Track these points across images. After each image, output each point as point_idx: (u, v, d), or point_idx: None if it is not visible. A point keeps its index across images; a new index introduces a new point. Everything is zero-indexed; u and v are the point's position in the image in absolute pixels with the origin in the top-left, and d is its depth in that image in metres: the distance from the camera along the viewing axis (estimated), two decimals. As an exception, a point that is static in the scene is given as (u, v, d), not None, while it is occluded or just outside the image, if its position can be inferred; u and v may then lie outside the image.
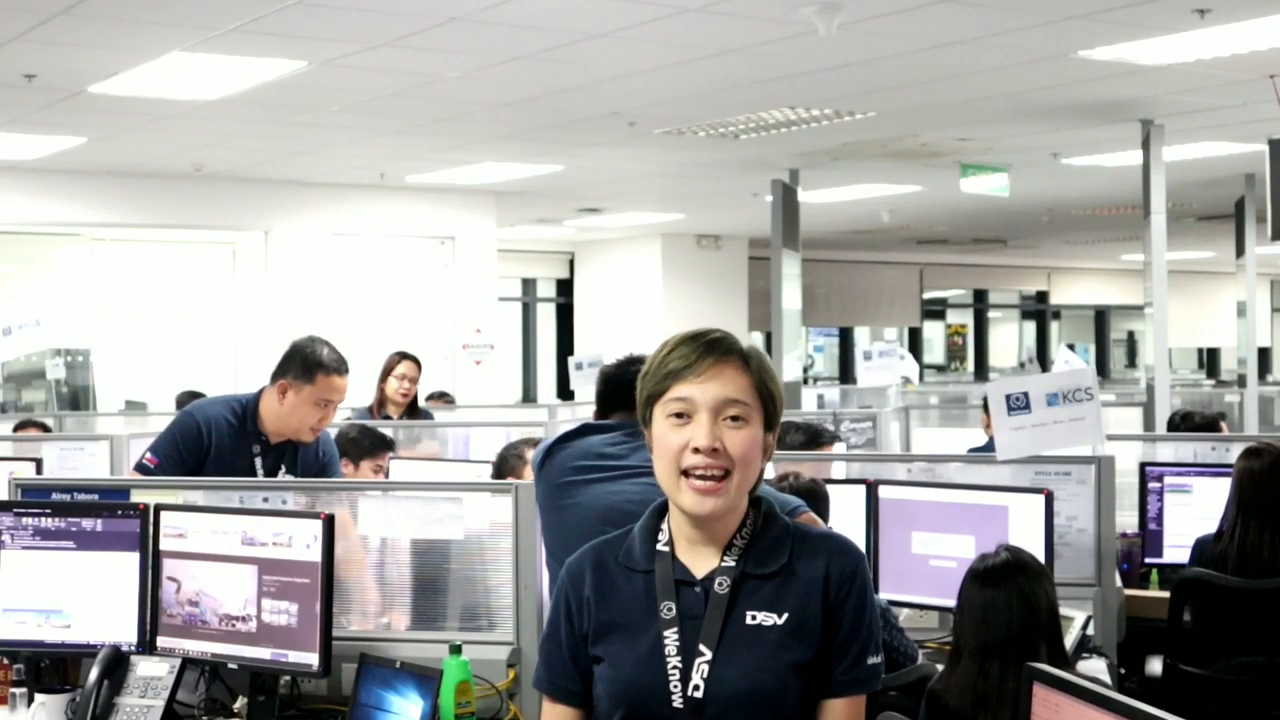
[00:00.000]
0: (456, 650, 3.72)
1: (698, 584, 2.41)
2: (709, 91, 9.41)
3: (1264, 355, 13.60)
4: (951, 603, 4.60)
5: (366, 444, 6.06)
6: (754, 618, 2.38)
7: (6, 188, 12.56)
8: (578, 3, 6.97)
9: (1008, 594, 3.59)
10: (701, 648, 2.36)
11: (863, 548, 4.58)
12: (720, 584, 2.40)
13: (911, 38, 7.78)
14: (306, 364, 4.94)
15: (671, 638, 2.38)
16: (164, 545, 4.02)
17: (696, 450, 2.35)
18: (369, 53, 8.09)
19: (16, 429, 8.32)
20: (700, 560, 2.42)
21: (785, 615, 2.38)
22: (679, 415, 2.39)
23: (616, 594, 2.46)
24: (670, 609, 2.39)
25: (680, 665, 2.36)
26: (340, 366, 4.98)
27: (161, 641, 3.96)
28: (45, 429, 8.51)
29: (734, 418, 2.38)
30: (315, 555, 3.82)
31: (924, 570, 4.78)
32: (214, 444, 4.94)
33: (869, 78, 8.89)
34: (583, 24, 7.46)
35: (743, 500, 2.43)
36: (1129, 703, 2.16)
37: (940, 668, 4.05)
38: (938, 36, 7.73)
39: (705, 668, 2.35)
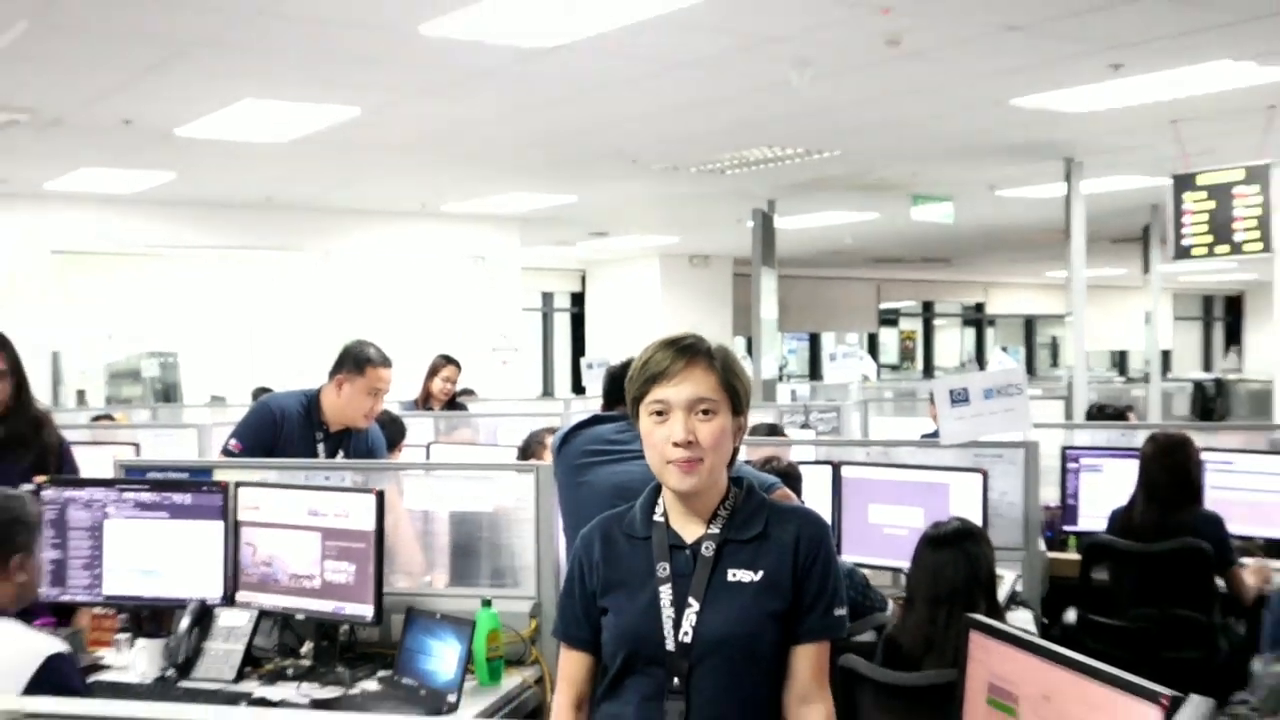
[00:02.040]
0: (487, 604, 3.74)
1: (687, 548, 2.43)
2: (699, 134, 9.39)
3: (1166, 357, 13.59)
4: (902, 564, 4.64)
5: (398, 430, 6.10)
6: (734, 575, 2.40)
7: (107, 216, 12.54)
8: (588, 60, 6.96)
9: (955, 555, 3.63)
10: (690, 600, 2.39)
11: (828, 519, 4.61)
12: (706, 548, 2.42)
13: (870, 89, 7.78)
14: (357, 361, 4.97)
15: (666, 592, 2.40)
16: (242, 516, 4.06)
17: (675, 444, 2.37)
18: (413, 101, 8.10)
19: (94, 420, 8.31)
20: (689, 528, 2.44)
21: (761, 573, 2.40)
22: (659, 413, 2.40)
23: (620, 557, 2.48)
24: (665, 568, 2.42)
25: (673, 615, 2.39)
26: (385, 361, 5.00)
27: (241, 596, 3.99)
28: (113, 418, 8.53)
29: (704, 411, 2.39)
30: (369, 525, 3.84)
31: (879, 537, 4.81)
32: (285, 430, 4.96)
33: (834, 122, 8.88)
34: (592, 78, 7.48)
35: (721, 476, 2.45)
36: (1048, 646, 2.19)
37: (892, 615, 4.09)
38: (891, 88, 7.74)
39: (693, 616, 2.38)
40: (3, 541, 3.04)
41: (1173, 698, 1.84)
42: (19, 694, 2.81)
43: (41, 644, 2.95)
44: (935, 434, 6.40)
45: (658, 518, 2.47)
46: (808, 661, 2.42)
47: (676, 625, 2.38)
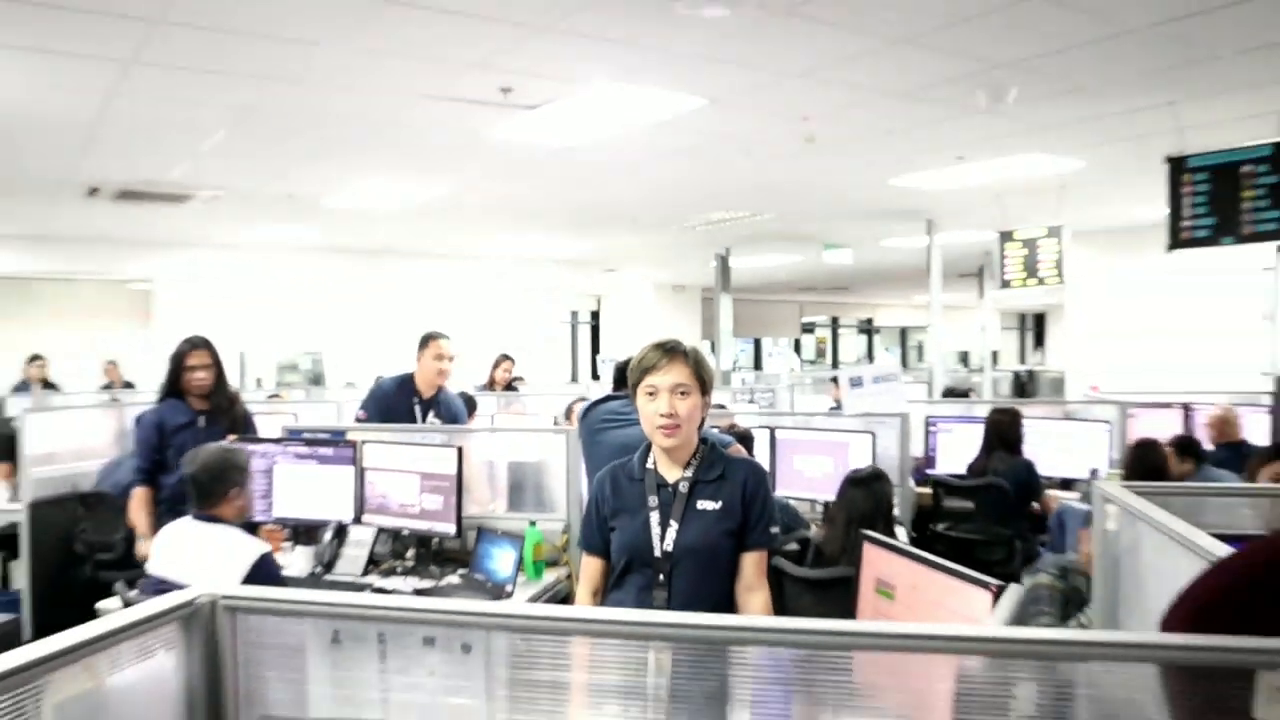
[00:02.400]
0: (533, 524, 3.74)
1: (670, 486, 2.41)
2: (678, 202, 9.36)
3: (995, 355, 13.63)
4: (818, 497, 4.63)
5: (472, 405, 6.08)
6: (701, 505, 2.39)
7: (272, 260, 12.63)
8: (601, 153, 6.93)
9: (866, 490, 3.61)
10: (671, 521, 2.37)
11: (767, 467, 4.61)
12: (682, 485, 2.40)
13: (795, 171, 7.75)
14: (423, 340, 4.91)
15: (654, 516, 2.39)
16: (366, 463, 4.05)
17: (662, 415, 2.37)
18: (484, 182, 8.08)
19: (268, 398, 8.38)
20: (671, 472, 2.42)
21: (720, 503, 2.39)
22: (650, 394, 2.40)
23: (624, 492, 2.46)
24: (654, 500, 2.40)
25: (659, 531, 2.37)
26: (439, 335, 4.94)
27: (365, 518, 3.99)
28: (280, 397, 8.63)
29: (682, 392, 2.39)
30: (452, 469, 3.84)
31: (803, 479, 4.80)
32: (391, 401, 4.91)
33: (770, 193, 8.85)
34: (605, 165, 7.44)
35: (693, 436, 2.43)
36: (915, 551, 2.18)
37: (816, 533, 4.07)
38: (810, 170, 7.71)
39: (673, 533, 2.36)
40: (225, 478, 3.14)
41: (998, 586, 1.82)
42: (241, 581, 2.86)
43: (255, 545, 3.05)
44: (839, 407, 6.41)
45: (649, 465, 2.46)
46: (752, 563, 2.40)
47: (661, 539, 2.37)
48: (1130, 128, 6.32)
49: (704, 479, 2.42)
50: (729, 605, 2.40)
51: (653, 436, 2.43)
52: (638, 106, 5.69)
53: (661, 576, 2.37)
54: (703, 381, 2.44)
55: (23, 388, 9.34)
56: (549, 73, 5.06)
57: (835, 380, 7.83)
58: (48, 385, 9.71)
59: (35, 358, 9.57)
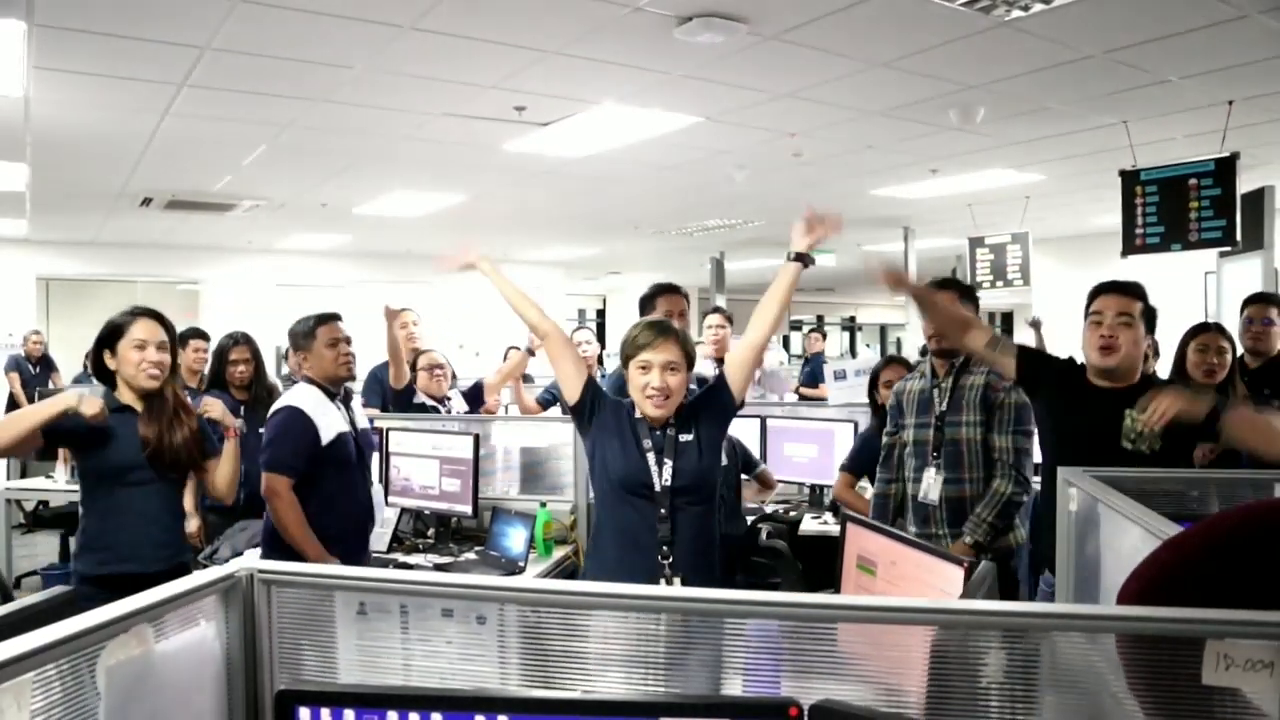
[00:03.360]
0: (544, 505, 3.72)
1: (660, 429, 2.45)
2: (677, 210, 9.35)
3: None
4: (807, 481, 4.61)
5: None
6: (684, 437, 2.44)
7: (306, 263, 12.63)
8: (607, 165, 6.92)
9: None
10: (666, 460, 2.41)
11: (758, 453, 4.58)
12: (669, 429, 2.45)
13: (782, 183, 7.74)
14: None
15: (651, 457, 2.42)
16: (392, 449, 4.03)
17: (654, 389, 2.40)
18: (499, 191, 8.05)
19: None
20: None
21: (692, 435, 2.45)
22: (644, 369, 2.42)
23: (621, 421, 2.49)
24: (649, 443, 2.43)
25: (656, 470, 2.40)
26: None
27: (390, 499, 3.95)
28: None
29: (672, 369, 2.41)
30: (469, 454, 3.82)
31: (792, 464, 4.76)
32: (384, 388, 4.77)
33: (760, 203, 8.84)
34: (610, 176, 7.43)
35: (678, 402, 2.46)
36: (893, 530, 2.16)
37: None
38: (796, 181, 7.70)
39: (669, 469, 2.40)
40: None
41: (970, 562, 1.81)
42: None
43: None
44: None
45: (638, 416, 2.48)
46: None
47: (659, 475, 2.40)
48: (1087, 144, 6.30)
49: (681, 422, 2.46)
50: (714, 538, 2.44)
51: (642, 406, 2.43)
52: (640, 124, 5.67)
53: (664, 511, 2.37)
54: (689, 359, 2.46)
55: (84, 379, 9.32)
56: (560, 93, 5.05)
57: (822, 373, 7.79)
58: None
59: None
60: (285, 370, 5.08)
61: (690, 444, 2.42)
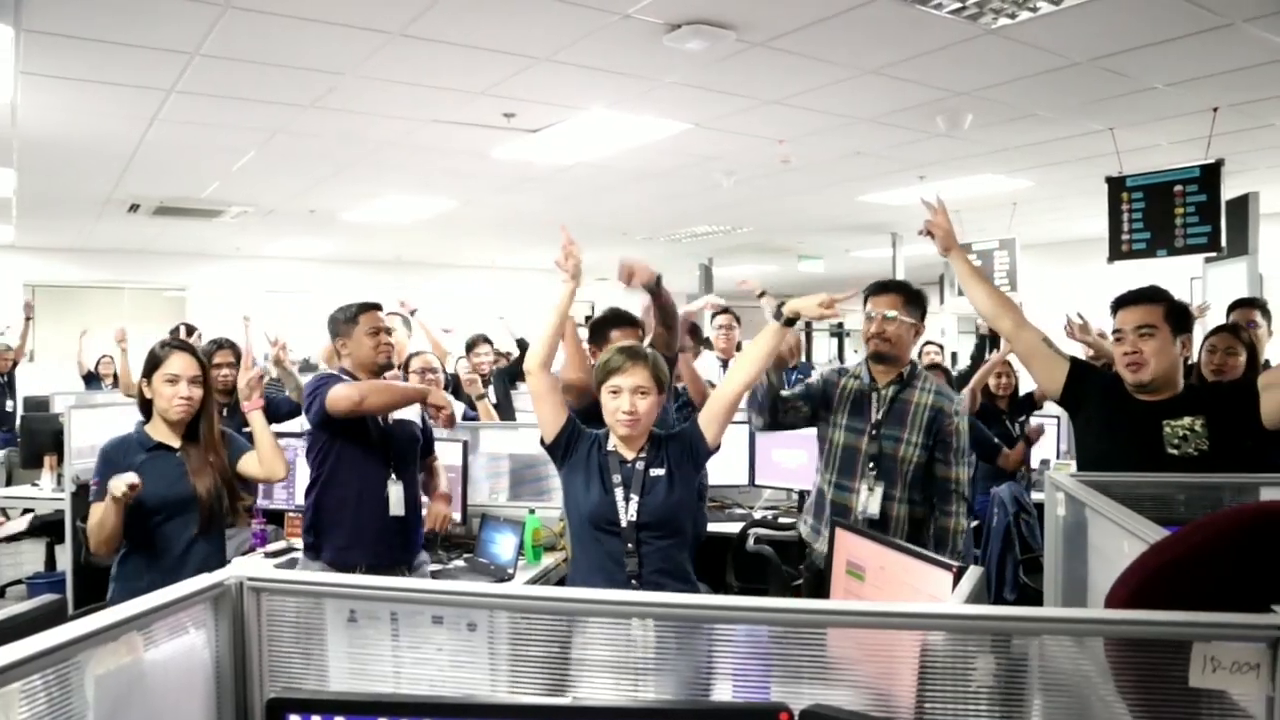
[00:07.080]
0: (532, 512, 3.72)
1: (629, 462, 2.47)
2: (665, 216, 9.36)
3: (954, 356, 13.64)
4: (793, 485, 4.62)
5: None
6: (654, 472, 2.45)
7: (299, 269, 12.59)
8: (596, 172, 6.93)
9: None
10: (632, 495, 2.42)
11: (746, 460, 4.58)
12: (639, 464, 2.46)
13: (770, 190, 7.76)
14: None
15: (619, 492, 2.44)
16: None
17: (624, 413, 2.41)
18: (488, 197, 8.06)
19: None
20: (628, 454, 2.48)
21: (664, 469, 2.46)
22: (614, 393, 2.43)
23: (591, 458, 2.50)
24: (617, 477, 2.45)
25: (623, 505, 2.42)
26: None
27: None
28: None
29: (642, 393, 2.42)
30: (458, 460, 3.81)
31: (779, 469, 4.76)
32: None
33: (749, 210, 8.85)
34: (598, 183, 7.44)
35: (648, 430, 2.48)
36: (881, 535, 2.17)
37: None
38: (785, 188, 7.72)
39: (635, 505, 2.41)
40: None
41: (959, 567, 1.81)
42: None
43: None
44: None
45: (610, 448, 2.49)
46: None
47: (625, 511, 2.42)
48: (1074, 151, 6.34)
49: (653, 456, 2.47)
50: (685, 568, 2.45)
51: (614, 428, 2.46)
52: (629, 130, 5.68)
53: (630, 545, 2.38)
54: (660, 382, 2.46)
55: (94, 384, 9.15)
56: (548, 100, 5.05)
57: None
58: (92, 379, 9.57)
59: (105, 356, 9.40)
60: (288, 359, 4.98)
61: (660, 479, 2.43)
